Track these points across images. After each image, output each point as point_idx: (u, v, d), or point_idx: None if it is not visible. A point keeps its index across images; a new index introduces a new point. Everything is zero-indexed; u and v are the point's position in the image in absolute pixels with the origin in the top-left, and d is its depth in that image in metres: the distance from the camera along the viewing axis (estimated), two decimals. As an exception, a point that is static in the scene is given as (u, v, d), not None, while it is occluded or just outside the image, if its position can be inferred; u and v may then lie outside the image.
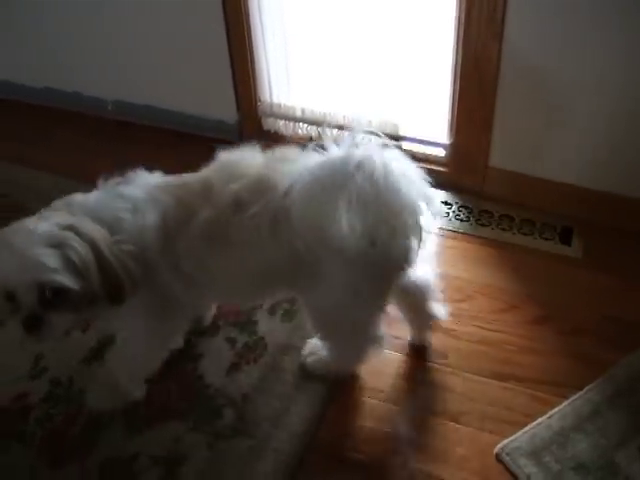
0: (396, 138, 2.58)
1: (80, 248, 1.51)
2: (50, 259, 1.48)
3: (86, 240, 1.52)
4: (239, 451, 1.80)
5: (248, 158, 1.65)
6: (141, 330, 1.77)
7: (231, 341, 2.05)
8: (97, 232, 1.56)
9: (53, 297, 1.51)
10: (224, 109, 2.76)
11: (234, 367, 1.98)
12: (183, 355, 2.01)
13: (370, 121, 2.56)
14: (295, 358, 1.99)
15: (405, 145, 2.58)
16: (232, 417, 1.87)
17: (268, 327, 2.07)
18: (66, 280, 1.49)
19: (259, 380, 1.95)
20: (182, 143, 2.86)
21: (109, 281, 1.55)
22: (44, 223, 1.53)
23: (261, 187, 1.56)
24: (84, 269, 1.51)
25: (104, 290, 1.56)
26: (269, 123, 2.76)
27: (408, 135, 2.59)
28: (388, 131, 2.58)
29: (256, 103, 2.69)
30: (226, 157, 1.67)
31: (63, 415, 1.90)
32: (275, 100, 2.70)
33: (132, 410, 1.90)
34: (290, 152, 1.62)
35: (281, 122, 2.72)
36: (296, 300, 2.09)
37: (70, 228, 1.53)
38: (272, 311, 2.11)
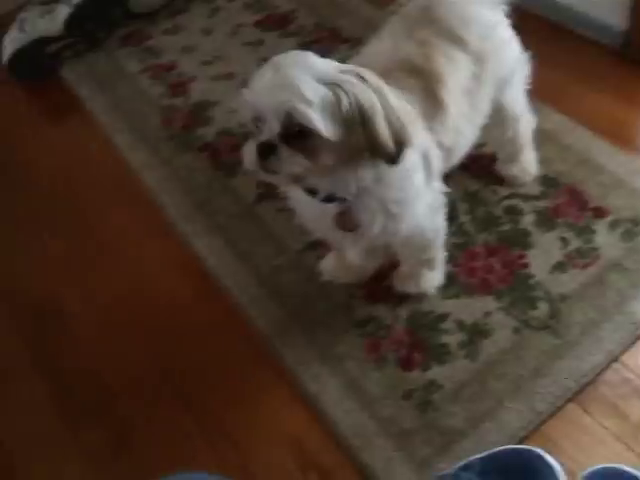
0: None
1: (361, 94, 1.36)
2: (311, 92, 1.34)
3: (373, 87, 1.38)
4: (542, 345, 1.86)
5: None
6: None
7: (564, 241, 2.06)
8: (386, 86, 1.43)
9: (298, 134, 1.37)
10: (614, 12, 2.64)
11: (560, 266, 2.00)
12: (513, 240, 2.07)
13: None
14: (622, 279, 1.95)
15: None
16: (545, 312, 1.92)
17: (605, 240, 2.04)
18: (318, 123, 1.35)
19: (581, 286, 1.95)
20: (554, 36, 2.76)
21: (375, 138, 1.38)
22: (328, 64, 1.42)
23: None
24: (349, 119, 1.36)
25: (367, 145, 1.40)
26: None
27: None
28: None
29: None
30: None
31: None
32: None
33: (451, 274, 2.02)
34: None
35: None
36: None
37: (355, 74, 1.40)
38: (614, 225, 2.07)
